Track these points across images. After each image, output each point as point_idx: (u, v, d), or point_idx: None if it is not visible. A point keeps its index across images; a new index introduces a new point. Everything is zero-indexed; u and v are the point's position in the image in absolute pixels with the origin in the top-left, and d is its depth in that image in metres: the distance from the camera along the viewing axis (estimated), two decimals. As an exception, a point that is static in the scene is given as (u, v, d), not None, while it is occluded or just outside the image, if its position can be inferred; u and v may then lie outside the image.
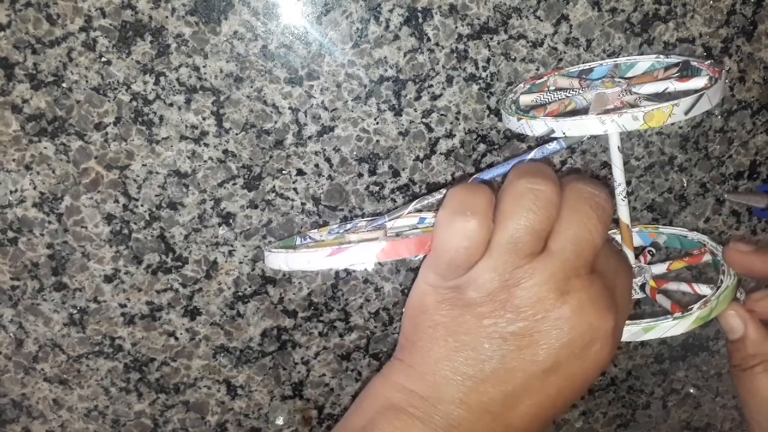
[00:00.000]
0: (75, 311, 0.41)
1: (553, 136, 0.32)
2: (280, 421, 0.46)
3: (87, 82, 0.36)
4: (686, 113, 0.30)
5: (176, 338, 0.42)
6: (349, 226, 0.39)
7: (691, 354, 0.52)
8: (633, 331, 0.33)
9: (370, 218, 0.41)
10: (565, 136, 0.32)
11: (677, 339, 0.51)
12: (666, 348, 0.51)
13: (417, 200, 0.37)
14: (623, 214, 0.36)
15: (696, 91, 0.32)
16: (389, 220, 0.37)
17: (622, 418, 0.53)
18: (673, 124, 0.43)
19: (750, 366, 0.35)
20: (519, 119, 0.34)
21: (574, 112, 0.35)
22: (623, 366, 0.51)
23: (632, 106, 0.33)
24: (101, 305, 0.41)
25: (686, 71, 0.37)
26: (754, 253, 0.34)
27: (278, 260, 0.33)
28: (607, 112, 0.31)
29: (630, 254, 0.36)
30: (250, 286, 0.42)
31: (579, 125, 0.31)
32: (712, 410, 0.55)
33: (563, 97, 0.36)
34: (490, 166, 0.42)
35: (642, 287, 0.36)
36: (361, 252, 0.30)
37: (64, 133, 0.37)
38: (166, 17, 0.35)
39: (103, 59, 0.36)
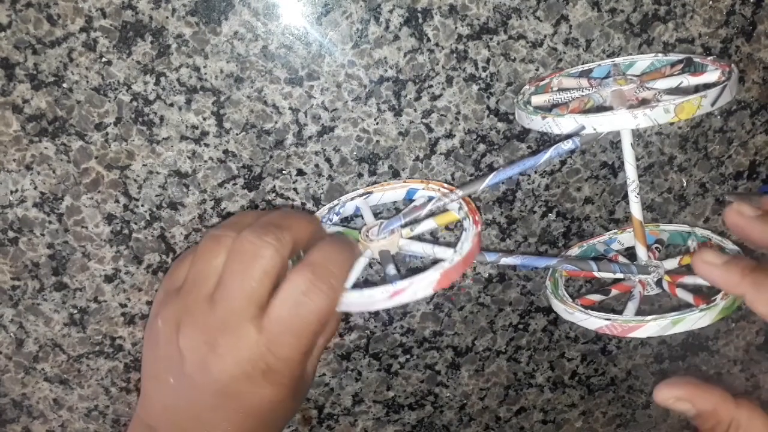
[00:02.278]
0: (75, 311, 0.41)
1: (583, 132, 0.32)
2: (280, 421, 0.46)
3: (87, 82, 0.36)
4: (712, 104, 0.31)
5: (176, 338, 0.42)
6: (338, 208, 0.38)
7: (691, 354, 0.52)
8: (662, 325, 0.32)
9: (358, 194, 0.39)
10: (595, 131, 0.32)
11: (677, 339, 0.51)
12: (665, 348, 0.51)
13: (433, 201, 0.36)
14: (636, 210, 0.35)
15: (710, 84, 0.32)
16: (403, 223, 0.36)
17: (621, 418, 0.53)
18: (672, 123, 0.43)
19: None
20: (544, 118, 0.33)
21: (593, 110, 0.34)
22: (623, 366, 0.51)
23: (651, 101, 0.33)
24: (102, 305, 0.41)
25: (689, 68, 0.37)
26: (757, 219, 0.31)
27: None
28: (631, 107, 0.31)
29: (642, 250, 0.36)
30: (250, 286, 0.42)
31: (610, 120, 0.31)
32: (712, 410, 0.55)
33: (578, 96, 0.36)
34: (490, 167, 0.42)
35: (658, 283, 0.36)
36: (419, 288, 0.31)
37: (64, 133, 0.37)
38: (167, 18, 0.35)
39: (104, 59, 0.36)
